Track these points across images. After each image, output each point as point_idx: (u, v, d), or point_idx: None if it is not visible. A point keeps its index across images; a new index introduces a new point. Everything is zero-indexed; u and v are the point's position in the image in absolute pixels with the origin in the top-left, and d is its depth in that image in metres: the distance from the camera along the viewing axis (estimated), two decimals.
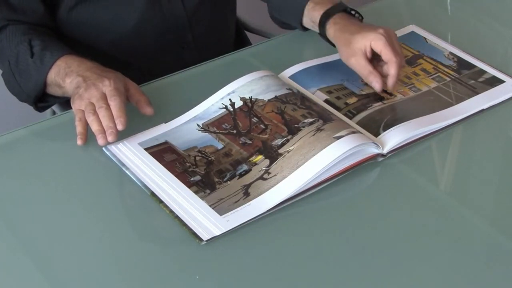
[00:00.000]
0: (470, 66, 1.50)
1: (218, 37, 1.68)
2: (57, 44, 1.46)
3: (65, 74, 1.38)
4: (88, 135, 1.31)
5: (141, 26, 1.55)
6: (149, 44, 1.58)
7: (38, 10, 1.49)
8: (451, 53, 1.53)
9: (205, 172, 1.26)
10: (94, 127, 1.30)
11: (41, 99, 1.48)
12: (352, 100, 1.41)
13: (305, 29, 1.55)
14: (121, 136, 1.30)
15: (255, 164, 1.27)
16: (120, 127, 1.28)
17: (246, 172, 1.26)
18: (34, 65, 1.42)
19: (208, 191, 1.23)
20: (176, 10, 1.57)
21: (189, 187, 1.23)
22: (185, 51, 1.62)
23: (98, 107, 1.30)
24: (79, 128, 1.31)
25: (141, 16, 1.54)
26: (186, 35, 1.61)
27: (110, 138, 1.28)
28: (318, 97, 1.41)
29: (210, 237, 1.15)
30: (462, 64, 1.50)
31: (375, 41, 1.38)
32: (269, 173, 1.24)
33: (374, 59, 1.41)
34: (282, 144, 1.29)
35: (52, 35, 1.51)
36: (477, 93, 1.43)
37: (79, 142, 1.30)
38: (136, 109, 1.35)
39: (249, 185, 1.23)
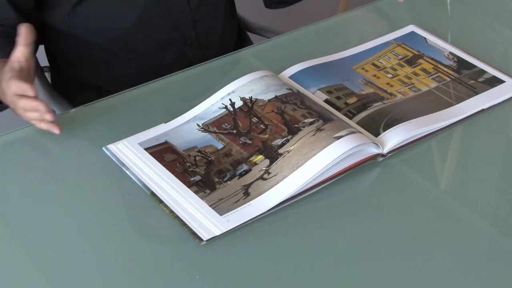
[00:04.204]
0: (470, 66, 1.50)
1: (221, 34, 1.68)
2: None
3: None
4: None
5: (144, 21, 1.55)
6: (152, 39, 1.58)
7: (9, 16, 1.47)
8: (451, 53, 1.53)
9: (205, 172, 1.26)
10: (42, 127, 1.31)
11: None
12: (352, 100, 1.41)
13: None
14: (121, 136, 1.30)
15: (255, 164, 1.27)
16: (48, 117, 1.28)
17: (246, 172, 1.26)
18: None
19: (208, 191, 1.23)
20: (180, 6, 1.57)
21: (189, 187, 1.23)
22: (188, 48, 1.62)
23: (24, 113, 1.30)
24: (42, 125, 1.31)
25: (144, 11, 1.54)
26: (190, 32, 1.61)
27: (55, 129, 1.29)
28: (318, 97, 1.41)
29: (210, 237, 1.15)
30: (462, 64, 1.50)
31: None
32: (269, 173, 1.24)
33: None
34: (282, 144, 1.29)
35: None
36: (477, 93, 1.43)
37: (55, 131, 1.30)
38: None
39: (249, 185, 1.23)
